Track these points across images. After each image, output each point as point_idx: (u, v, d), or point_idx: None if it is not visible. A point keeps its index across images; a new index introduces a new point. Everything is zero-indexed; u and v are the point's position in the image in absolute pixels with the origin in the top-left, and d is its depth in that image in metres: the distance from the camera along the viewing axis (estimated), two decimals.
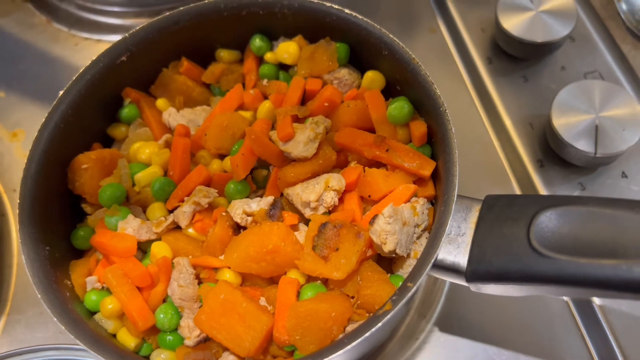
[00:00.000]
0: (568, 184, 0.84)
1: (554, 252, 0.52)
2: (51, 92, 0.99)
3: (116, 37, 1.03)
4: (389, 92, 0.72)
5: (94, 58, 0.70)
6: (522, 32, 0.88)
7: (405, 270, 0.64)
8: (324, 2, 0.71)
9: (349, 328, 0.60)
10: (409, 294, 0.54)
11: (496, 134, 0.90)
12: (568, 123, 0.80)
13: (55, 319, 0.56)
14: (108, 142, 0.76)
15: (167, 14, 0.72)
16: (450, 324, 0.77)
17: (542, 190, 0.83)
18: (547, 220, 0.53)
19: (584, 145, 0.78)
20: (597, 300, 0.76)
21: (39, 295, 0.58)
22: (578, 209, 0.53)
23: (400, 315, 0.74)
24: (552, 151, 0.85)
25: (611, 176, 0.83)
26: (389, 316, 0.53)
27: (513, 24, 0.89)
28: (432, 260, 0.55)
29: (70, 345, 0.78)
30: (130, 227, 0.64)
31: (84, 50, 1.03)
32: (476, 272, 0.56)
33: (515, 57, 0.93)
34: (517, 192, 0.85)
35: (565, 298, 0.77)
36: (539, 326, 0.76)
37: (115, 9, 1.05)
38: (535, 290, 0.55)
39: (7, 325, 0.82)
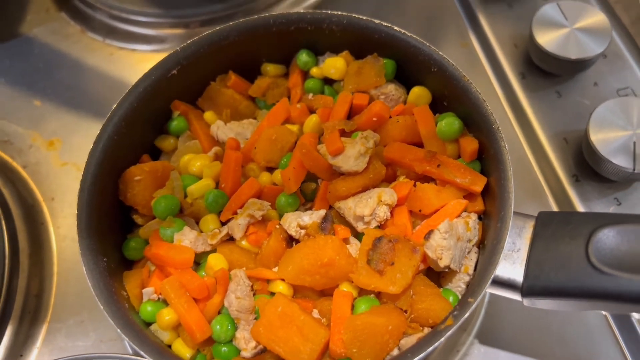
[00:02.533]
0: (604, 198, 0.85)
1: (614, 269, 0.53)
2: (87, 101, 1.02)
3: (151, 47, 1.06)
4: (434, 108, 0.73)
5: (147, 71, 0.72)
6: (557, 48, 0.89)
7: (455, 284, 0.65)
8: (373, 20, 0.72)
9: (403, 342, 0.61)
10: (470, 309, 0.55)
11: (531, 148, 0.91)
12: (605, 138, 0.81)
13: (119, 331, 0.57)
14: (155, 153, 0.77)
15: (218, 28, 0.74)
16: (491, 337, 0.78)
17: (578, 204, 0.85)
18: (606, 237, 0.54)
19: (621, 161, 0.79)
20: (636, 315, 0.77)
21: (102, 307, 0.58)
22: (638, 228, 0.54)
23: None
24: (587, 166, 0.86)
25: None
26: (451, 331, 0.54)
27: (547, 39, 0.90)
28: (492, 276, 0.56)
29: (113, 354, 0.79)
30: (187, 239, 0.65)
31: (119, 60, 1.04)
32: (533, 287, 0.57)
33: (549, 72, 0.94)
34: (553, 205, 0.86)
35: (603, 312, 0.78)
36: (578, 340, 0.77)
37: (149, 19, 1.06)
38: (592, 306, 0.56)
39: (48, 334, 0.82)
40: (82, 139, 0.97)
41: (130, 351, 0.80)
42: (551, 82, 0.94)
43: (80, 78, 1.03)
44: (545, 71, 0.94)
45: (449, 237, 0.60)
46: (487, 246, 0.60)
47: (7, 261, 0.82)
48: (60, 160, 0.96)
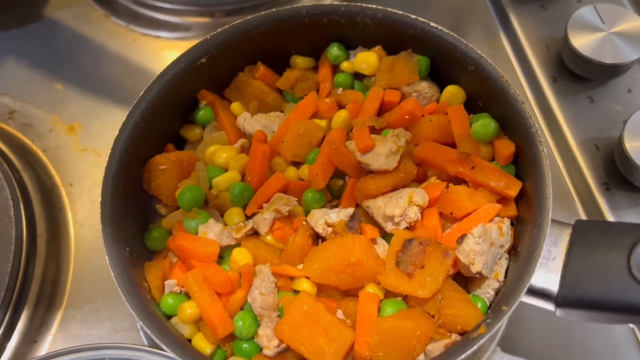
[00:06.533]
0: (635, 208, 0.83)
1: None
2: (109, 87, 1.00)
3: (175, 35, 1.05)
4: (468, 108, 0.71)
5: (175, 58, 0.70)
6: (592, 52, 0.87)
7: (484, 290, 0.63)
8: (409, 15, 0.70)
9: (430, 347, 0.59)
10: (504, 318, 0.53)
11: (560, 153, 0.89)
12: None
13: (141, 323, 0.56)
14: (180, 143, 0.76)
15: (249, 17, 0.72)
16: (513, 345, 0.76)
17: (608, 213, 0.82)
18: None
19: None
20: None
21: (124, 298, 0.57)
22: None
23: None
24: (619, 174, 0.84)
25: None
26: (483, 340, 0.52)
27: (582, 42, 0.88)
28: (527, 285, 0.54)
29: (129, 345, 0.77)
30: (212, 231, 0.63)
31: (142, 47, 1.03)
32: (568, 298, 0.55)
33: (581, 77, 0.92)
34: (582, 213, 0.84)
35: (631, 325, 0.76)
36: (603, 352, 0.75)
37: (174, 6, 1.05)
38: (629, 320, 0.54)
39: (63, 320, 0.81)
40: (103, 124, 0.96)
41: (146, 342, 0.79)
42: (583, 86, 0.92)
43: (103, 63, 1.02)
44: (578, 75, 0.92)
45: (483, 242, 0.59)
46: (522, 253, 0.58)
47: (24, 245, 0.81)
48: (80, 146, 0.95)
